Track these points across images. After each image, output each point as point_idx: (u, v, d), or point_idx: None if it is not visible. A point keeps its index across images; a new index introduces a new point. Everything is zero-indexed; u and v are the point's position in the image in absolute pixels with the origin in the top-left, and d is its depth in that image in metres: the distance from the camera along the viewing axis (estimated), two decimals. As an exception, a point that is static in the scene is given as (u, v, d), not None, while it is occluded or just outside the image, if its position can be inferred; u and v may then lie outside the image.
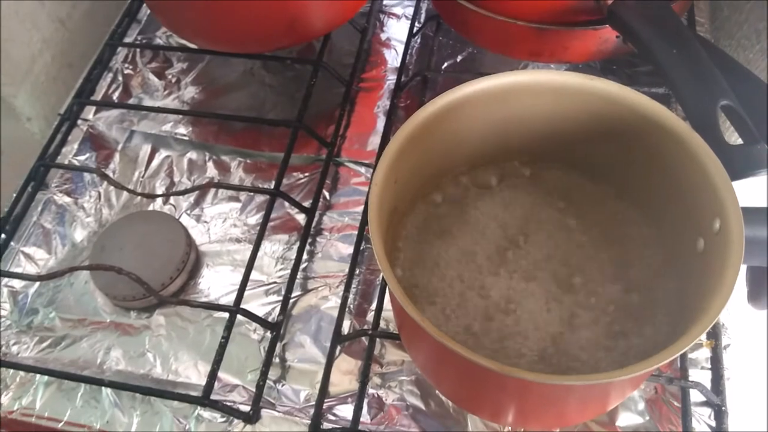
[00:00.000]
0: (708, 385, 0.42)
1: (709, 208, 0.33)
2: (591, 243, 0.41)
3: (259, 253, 0.49)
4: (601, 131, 0.38)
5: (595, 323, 0.38)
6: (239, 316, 0.45)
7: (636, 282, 0.39)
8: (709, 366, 0.44)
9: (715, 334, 0.44)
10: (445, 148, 0.40)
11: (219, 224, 0.52)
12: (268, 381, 0.44)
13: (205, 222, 0.53)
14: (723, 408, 0.42)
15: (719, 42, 0.63)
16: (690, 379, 0.43)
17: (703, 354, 0.44)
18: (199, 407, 0.44)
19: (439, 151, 0.39)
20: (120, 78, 0.62)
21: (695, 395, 0.42)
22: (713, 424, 0.42)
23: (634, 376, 0.30)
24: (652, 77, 0.55)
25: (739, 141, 0.36)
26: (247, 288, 0.47)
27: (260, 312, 0.47)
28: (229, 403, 0.44)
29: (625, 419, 0.42)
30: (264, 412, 0.44)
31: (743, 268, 0.32)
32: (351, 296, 0.48)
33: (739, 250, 0.30)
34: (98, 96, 0.61)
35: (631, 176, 0.39)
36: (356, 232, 0.51)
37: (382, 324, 0.46)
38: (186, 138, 0.57)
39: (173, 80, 0.62)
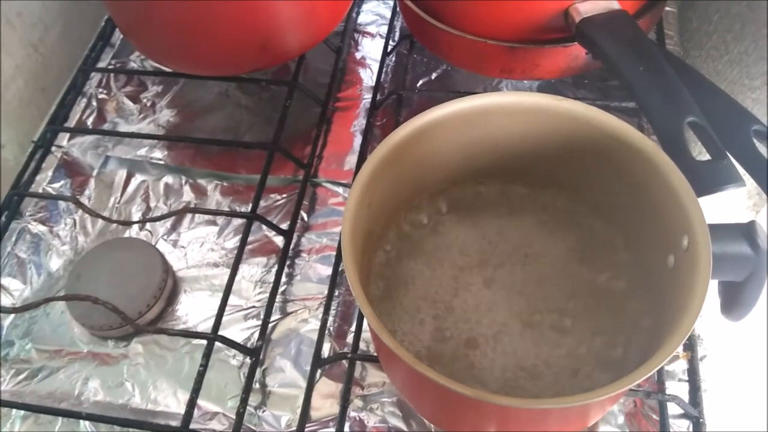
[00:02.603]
0: (685, 397, 0.43)
1: (678, 225, 0.33)
2: (564, 261, 0.41)
3: (237, 277, 0.48)
4: (571, 150, 0.38)
5: (569, 341, 0.39)
6: (217, 342, 0.45)
7: (609, 298, 0.39)
8: (686, 378, 0.44)
9: (691, 346, 0.45)
10: (418, 170, 0.40)
11: (196, 249, 0.52)
12: (248, 407, 0.44)
13: (182, 247, 0.52)
14: (701, 420, 0.42)
15: (689, 53, 0.64)
16: (667, 391, 0.43)
17: (680, 366, 0.44)
18: (178, 437, 0.43)
19: (412, 173, 0.40)
20: (94, 103, 0.62)
21: (673, 408, 0.43)
22: (692, 435, 0.42)
23: (611, 396, 0.30)
24: (623, 91, 0.56)
25: (707, 157, 0.36)
26: (225, 313, 0.46)
27: (239, 337, 0.47)
28: (208, 432, 0.43)
29: (605, 433, 0.42)
30: (245, 439, 0.43)
31: (714, 281, 0.33)
32: (331, 318, 0.48)
33: (707, 267, 0.31)
34: (72, 122, 0.60)
35: (603, 194, 0.40)
36: (335, 253, 0.51)
37: (363, 346, 0.46)
38: (162, 162, 0.57)
39: (148, 104, 0.61)
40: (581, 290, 0.40)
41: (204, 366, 0.44)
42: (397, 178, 0.39)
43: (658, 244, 0.35)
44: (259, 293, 0.50)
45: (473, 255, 0.42)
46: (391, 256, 0.42)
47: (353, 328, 0.47)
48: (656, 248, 0.36)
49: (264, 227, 0.52)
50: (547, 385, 0.37)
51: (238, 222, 0.53)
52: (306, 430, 0.43)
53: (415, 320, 0.39)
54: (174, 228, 0.53)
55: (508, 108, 0.38)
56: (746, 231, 0.33)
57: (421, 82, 0.61)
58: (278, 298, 0.49)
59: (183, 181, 0.56)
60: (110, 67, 0.64)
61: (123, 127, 0.60)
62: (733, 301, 0.37)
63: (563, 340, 0.39)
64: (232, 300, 0.48)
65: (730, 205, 0.50)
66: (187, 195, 0.55)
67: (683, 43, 0.63)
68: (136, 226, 0.54)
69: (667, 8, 0.62)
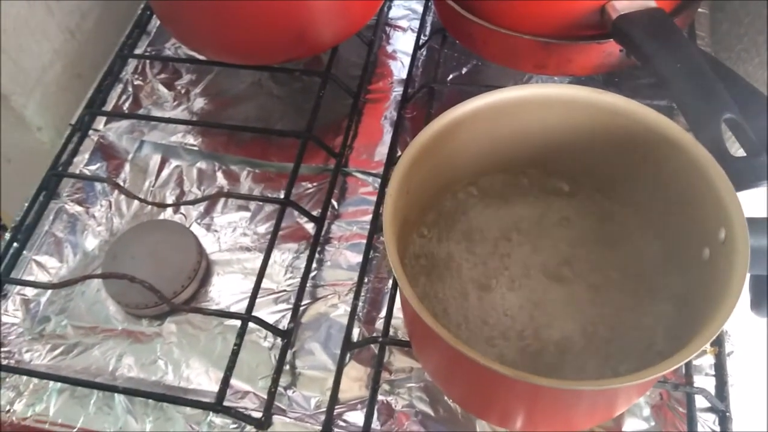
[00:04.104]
0: (712, 391, 0.43)
1: (715, 218, 0.33)
2: (598, 251, 0.42)
3: (269, 262, 0.49)
4: (608, 143, 0.39)
5: (600, 331, 0.39)
6: (250, 324, 0.46)
7: (642, 291, 0.40)
8: (713, 372, 0.45)
9: (718, 341, 0.45)
10: (455, 159, 0.41)
11: (229, 233, 0.53)
12: (279, 388, 0.45)
13: (215, 231, 0.53)
14: (727, 414, 0.42)
15: (719, 55, 0.65)
16: (695, 385, 0.43)
17: (707, 361, 0.45)
18: (211, 413, 0.44)
19: (449, 162, 0.40)
20: (130, 89, 0.63)
21: (700, 401, 0.43)
22: (717, 429, 0.43)
23: (642, 383, 0.31)
24: (654, 90, 0.56)
25: (742, 153, 0.37)
26: (257, 296, 0.47)
27: (270, 320, 0.48)
28: (241, 410, 0.44)
29: (630, 425, 0.43)
30: (275, 418, 0.44)
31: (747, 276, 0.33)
32: (360, 304, 0.48)
33: (745, 260, 0.31)
34: (109, 107, 0.62)
35: (638, 187, 0.40)
36: (365, 241, 0.51)
37: (391, 331, 0.46)
38: (195, 148, 0.58)
39: (182, 91, 0.62)
40: (613, 281, 0.40)
41: (238, 345, 0.45)
42: (435, 166, 0.39)
43: (693, 237, 0.36)
44: (290, 278, 0.51)
45: (506, 244, 0.42)
46: (426, 242, 0.43)
47: (382, 314, 0.48)
48: (691, 241, 0.36)
49: (295, 214, 0.53)
50: (576, 375, 0.38)
51: (269, 208, 0.54)
52: (335, 411, 0.44)
53: (446, 304, 0.40)
54: (207, 212, 0.54)
55: (546, 100, 0.38)
56: (783, 225, 0.33)
57: (451, 76, 0.61)
58: (309, 283, 0.50)
59: (216, 168, 0.57)
60: (146, 54, 0.65)
61: (157, 114, 0.61)
62: (765, 296, 0.37)
63: (594, 331, 0.39)
64: (264, 283, 0.48)
65: (759, 203, 0.51)
66: (220, 181, 0.56)
67: (713, 44, 0.63)
68: (170, 210, 0.55)
69: (699, 9, 0.62)
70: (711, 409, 0.43)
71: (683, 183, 0.36)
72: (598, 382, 0.30)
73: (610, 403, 0.37)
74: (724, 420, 0.42)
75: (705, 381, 0.44)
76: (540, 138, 0.41)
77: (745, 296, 0.38)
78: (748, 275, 0.32)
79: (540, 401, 0.34)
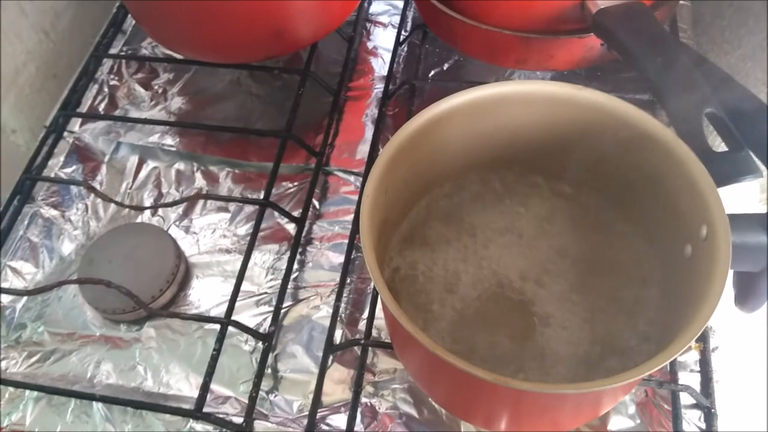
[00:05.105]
0: (697, 387, 0.43)
1: (696, 214, 0.33)
2: (579, 249, 0.41)
3: (249, 264, 0.49)
4: (589, 140, 0.38)
5: (583, 329, 0.39)
6: (230, 327, 0.45)
7: (624, 288, 0.39)
8: (698, 369, 0.44)
9: (703, 338, 0.45)
10: (434, 158, 0.40)
11: (208, 235, 0.52)
12: (260, 392, 0.44)
13: (194, 233, 0.52)
14: (712, 410, 0.42)
15: (701, 47, 0.64)
16: (679, 382, 0.43)
17: (692, 357, 0.45)
18: (191, 420, 0.43)
19: (428, 161, 0.40)
20: (106, 89, 0.62)
21: (685, 398, 0.43)
22: (703, 426, 0.42)
23: (627, 383, 0.30)
24: (636, 84, 0.56)
25: (724, 148, 0.36)
26: (237, 299, 0.47)
27: (251, 323, 0.47)
28: (221, 416, 0.44)
29: (616, 423, 0.43)
30: (257, 423, 0.44)
31: (730, 272, 0.33)
32: (342, 305, 0.48)
33: (726, 257, 0.31)
34: (84, 108, 0.60)
35: (620, 184, 0.40)
36: (347, 241, 0.51)
37: (374, 333, 0.46)
38: (173, 149, 0.57)
39: (159, 91, 0.61)
40: (597, 279, 0.40)
41: (217, 350, 0.44)
42: (414, 165, 0.39)
43: (675, 234, 0.35)
44: (271, 280, 0.50)
45: (487, 243, 0.42)
46: (407, 242, 0.42)
47: (365, 315, 0.47)
48: (673, 237, 0.36)
49: (276, 214, 0.52)
50: (561, 374, 0.38)
51: (249, 209, 0.53)
52: (317, 415, 0.44)
53: (428, 306, 0.40)
54: (186, 214, 0.53)
55: (526, 97, 0.38)
56: (765, 221, 0.33)
57: (432, 72, 0.60)
58: (290, 284, 0.49)
59: (194, 168, 0.56)
60: (122, 53, 0.64)
61: (134, 114, 0.60)
62: (749, 292, 0.37)
63: (577, 328, 0.39)
64: (244, 286, 0.48)
65: (741, 197, 0.50)
66: (199, 182, 0.56)
67: (695, 37, 0.63)
68: (148, 212, 0.54)
69: (680, 1, 0.62)
70: (696, 406, 0.43)
71: (665, 179, 0.36)
72: (581, 385, 0.30)
73: (596, 403, 0.36)
74: (710, 416, 0.42)
75: (690, 377, 0.44)
76: (521, 135, 0.41)
77: (729, 292, 0.38)
78: (730, 272, 0.32)
79: (524, 404, 0.34)
